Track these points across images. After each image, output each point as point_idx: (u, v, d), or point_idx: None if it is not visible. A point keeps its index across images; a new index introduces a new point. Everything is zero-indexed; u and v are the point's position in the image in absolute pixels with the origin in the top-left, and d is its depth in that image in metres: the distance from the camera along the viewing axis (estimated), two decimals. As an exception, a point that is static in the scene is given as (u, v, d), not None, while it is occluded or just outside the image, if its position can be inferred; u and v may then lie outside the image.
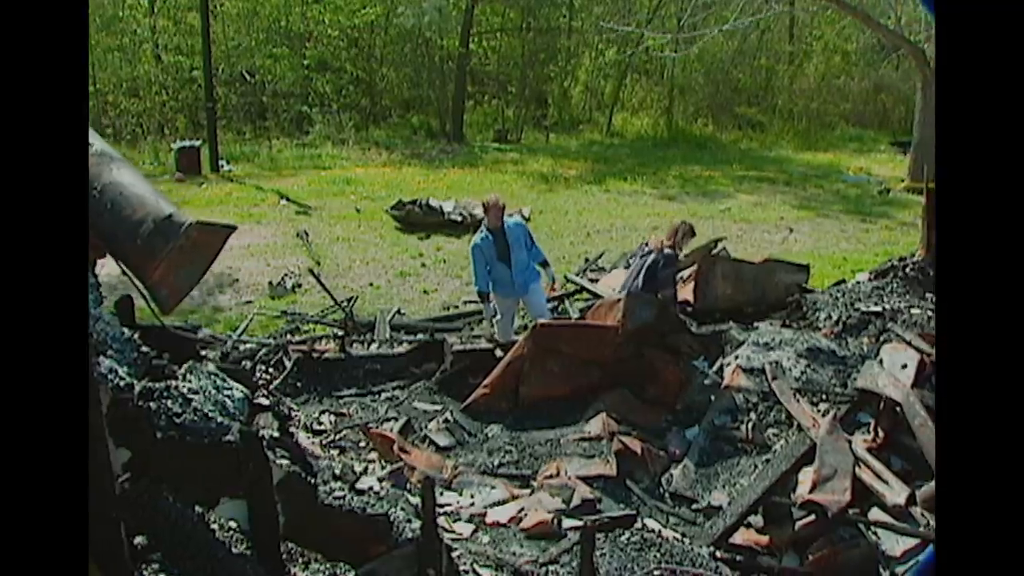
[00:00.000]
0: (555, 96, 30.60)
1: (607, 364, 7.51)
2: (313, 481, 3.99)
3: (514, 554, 5.21)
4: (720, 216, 17.23)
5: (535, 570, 4.92)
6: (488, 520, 5.72)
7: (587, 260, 13.12)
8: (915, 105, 20.81)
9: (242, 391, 4.28)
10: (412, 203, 16.22)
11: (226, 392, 4.11)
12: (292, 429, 6.97)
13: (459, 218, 15.83)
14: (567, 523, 5.62)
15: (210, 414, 3.69)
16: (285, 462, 3.93)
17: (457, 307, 11.72)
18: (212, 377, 4.17)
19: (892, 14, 21.67)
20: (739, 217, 17.19)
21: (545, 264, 9.10)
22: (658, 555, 4.98)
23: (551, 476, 6.33)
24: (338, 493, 4.07)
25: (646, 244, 9.38)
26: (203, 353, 8.40)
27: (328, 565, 4.34)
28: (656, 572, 4.79)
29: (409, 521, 4.15)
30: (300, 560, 4.38)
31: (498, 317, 9.08)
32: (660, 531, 5.58)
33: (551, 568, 4.97)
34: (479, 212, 16.30)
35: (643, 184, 20.39)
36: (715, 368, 7.80)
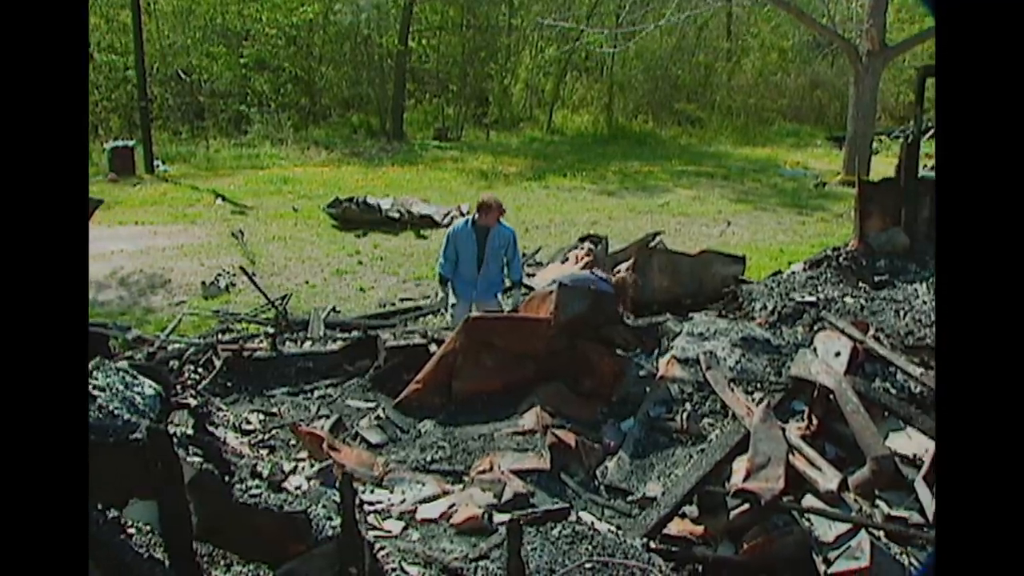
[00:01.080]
0: (496, 94, 30.56)
1: (541, 357, 7.41)
2: (228, 479, 3.85)
3: (444, 550, 5.10)
4: (659, 210, 17.30)
5: (464, 566, 4.81)
6: (418, 517, 5.60)
7: (524, 255, 13.04)
8: (849, 100, 21.07)
9: (154, 388, 4.13)
10: (349, 201, 16.06)
11: (135, 389, 3.96)
12: (218, 428, 6.81)
13: (397, 215, 15.72)
14: (498, 518, 5.52)
15: (116, 412, 3.55)
16: (198, 460, 3.79)
17: (394, 304, 11.59)
18: (121, 374, 4.01)
19: (826, 11, 21.92)
20: (677, 211, 17.26)
21: (518, 284, 8.91)
22: (590, 548, 4.90)
23: (484, 471, 6.23)
24: (254, 491, 3.93)
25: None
26: (128, 352, 8.23)
27: (252, 567, 4.20)
28: (588, 565, 4.71)
29: (330, 519, 4.04)
30: (222, 562, 4.23)
31: (453, 302, 8.92)
32: (593, 524, 5.51)
33: (481, 564, 4.86)
34: (417, 209, 16.25)
35: (583, 180, 20.41)
36: (651, 360, 7.76)
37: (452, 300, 8.97)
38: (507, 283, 9.26)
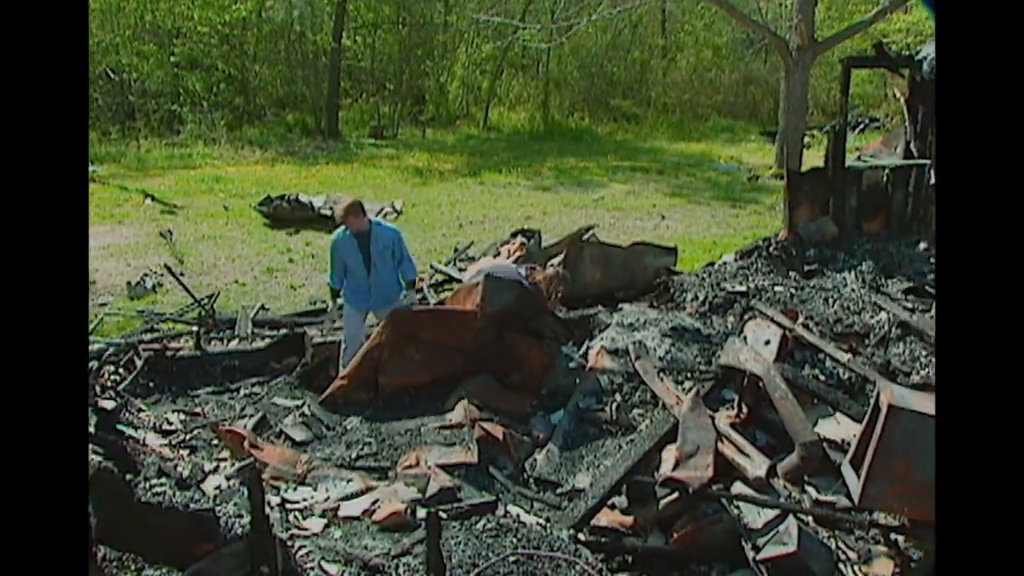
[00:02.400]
0: (432, 92, 30.38)
1: (469, 350, 7.31)
2: (132, 478, 3.69)
3: (366, 548, 4.97)
4: (593, 205, 17.31)
5: (386, 563, 4.69)
6: (340, 514, 5.46)
7: (456, 250, 12.95)
8: (781, 95, 21.30)
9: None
10: (281, 199, 15.83)
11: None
12: (137, 429, 6.61)
13: (329, 212, 15.49)
14: (422, 513, 5.39)
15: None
16: (98, 459, 3.62)
17: (324, 301, 11.39)
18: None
19: (757, 7, 22.11)
20: (612, 206, 17.28)
21: (412, 285, 8.39)
22: (515, 540, 4.81)
23: (410, 466, 6.10)
24: (159, 490, 3.77)
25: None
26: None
27: (164, 570, 4.04)
28: (511, 558, 4.61)
29: (240, 516, 3.88)
30: (132, 567, 4.06)
31: (337, 309, 8.55)
32: (519, 516, 5.43)
33: (403, 560, 4.75)
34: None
35: (518, 176, 20.37)
36: (582, 351, 7.70)
37: (341, 319, 8.56)
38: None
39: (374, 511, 5.40)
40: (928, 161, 10.88)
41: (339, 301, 8.42)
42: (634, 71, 33.72)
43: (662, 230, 15.18)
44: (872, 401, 5.36)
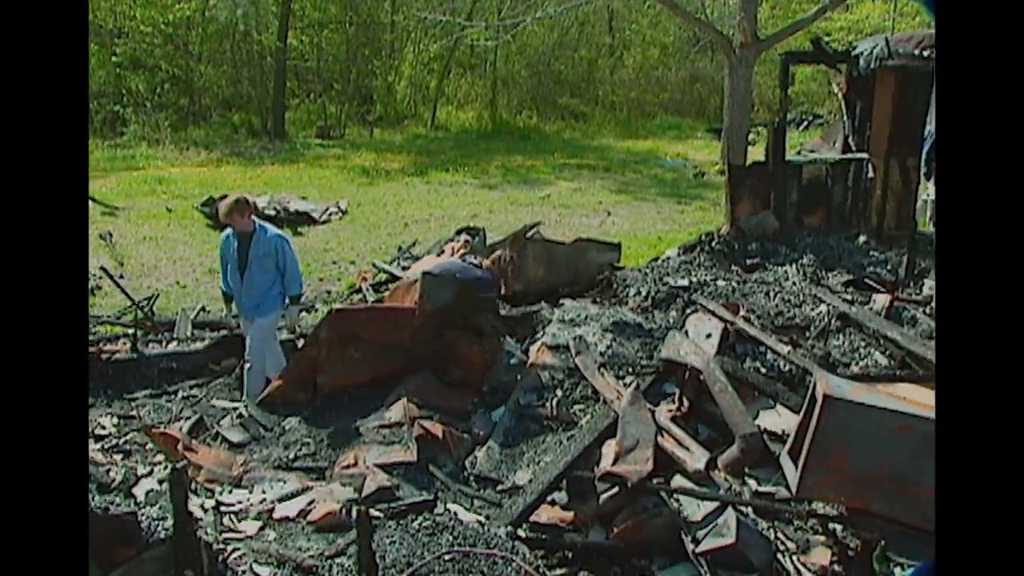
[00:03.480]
0: (380, 91, 30.21)
1: (408, 347, 7.22)
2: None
3: (300, 549, 4.88)
4: (540, 203, 17.29)
5: (319, 564, 4.60)
6: (276, 516, 5.36)
7: (400, 249, 12.86)
8: (725, 92, 21.43)
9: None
10: (223, 199, 15.57)
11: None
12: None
13: (273, 212, 15.38)
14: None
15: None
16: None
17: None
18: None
19: (700, 5, 22.26)
20: (559, 203, 17.28)
21: (296, 299, 7.81)
22: (451, 539, 4.74)
23: (348, 466, 6.02)
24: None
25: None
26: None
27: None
28: (447, 556, 4.55)
29: (164, 519, 3.78)
30: None
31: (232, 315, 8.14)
32: (457, 514, 5.36)
33: (337, 561, 4.66)
34: (294, 206, 15.92)
35: (465, 175, 20.32)
36: (524, 348, 7.66)
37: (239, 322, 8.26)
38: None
39: (309, 512, 5.31)
40: (866, 155, 11.00)
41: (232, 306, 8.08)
42: (581, 70, 33.85)
43: (608, 226, 15.19)
44: (809, 392, 5.39)
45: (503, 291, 9.02)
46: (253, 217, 7.60)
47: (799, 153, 11.80)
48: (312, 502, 5.42)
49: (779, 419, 6.41)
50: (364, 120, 29.09)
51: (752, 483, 5.90)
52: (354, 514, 5.22)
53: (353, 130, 27.95)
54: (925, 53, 10.44)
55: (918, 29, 14.89)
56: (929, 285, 9.48)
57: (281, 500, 5.57)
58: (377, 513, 5.21)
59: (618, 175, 20.63)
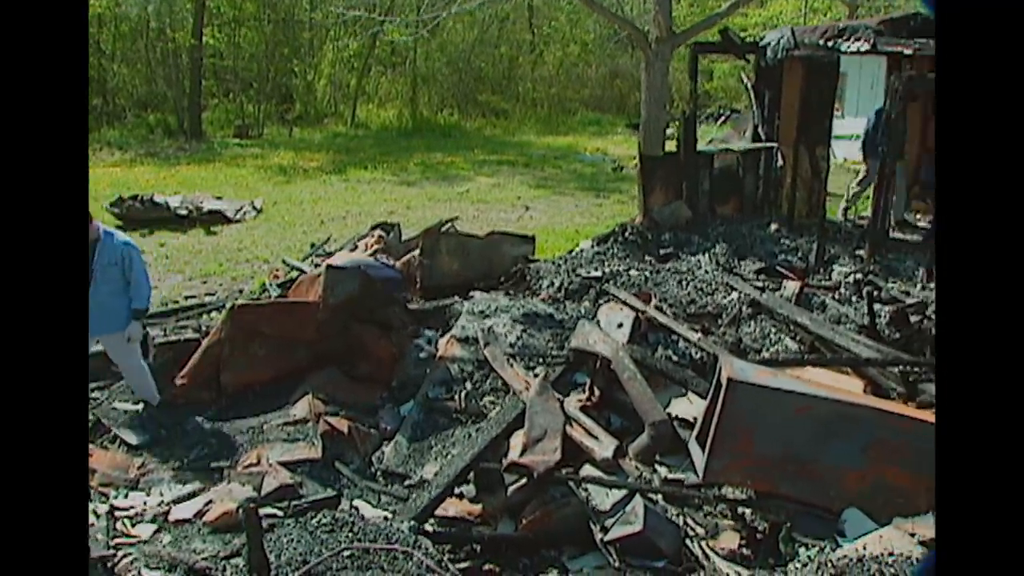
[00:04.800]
0: (299, 90, 29.79)
1: (314, 343, 7.07)
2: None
3: (195, 551, 4.72)
4: (458, 198, 17.18)
5: (213, 565, 4.45)
6: (171, 518, 5.19)
7: (313, 246, 12.66)
8: (642, 86, 21.54)
9: None
10: (133, 199, 15.24)
11: None
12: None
13: (185, 212, 15.03)
14: (262, 512, 5.16)
15: None
16: None
17: (177, 302, 10.96)
18: None
19: (617, 1, 22.34)
20: (477, 198, 17.18)
21: (140, 313, 6.82)
22: (351, 535, 4.61)
23: (250, 465, 5.86)
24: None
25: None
26: None
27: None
28: (346, 553, 4.42)
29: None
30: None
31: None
32: (357, 510, 5.24)
33: (231, 562, 4.51)
34: (208, 205, 15.58)
35: (384, 172, 20.12)
36: (434, 341, 7.55)
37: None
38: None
39: (206, 512, 5.15)
40: (775, 144, 11.11)
41: None
42: (502, 67, 33.78)
43: (526, 221, 15.12)
44: (715, 377, 5.38)
45: (415, 289, 8.90)
46: (97, 223, 6.73)
47: (710, 143, 11.87)
48: (209, 503, 5.26)
49: (690, 406, 6.40)
50: (283, 119, 28.65)
51: (663, 470, 5.88)
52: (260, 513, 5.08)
53: (272, 129, 27.50)
54: (830, 43, 10.57)
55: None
56: (838, 270, 9.60)
57: (178, 502, 5.39)
58: (276, 512, 5.08)
59: (537, 170, 20.61)
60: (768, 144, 11.18)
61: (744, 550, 5.13)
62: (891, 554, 4.28)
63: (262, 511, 5.19)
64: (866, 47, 10.06)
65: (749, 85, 11.69)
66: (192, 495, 5.47)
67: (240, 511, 5.08)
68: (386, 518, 5.22)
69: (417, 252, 9.45)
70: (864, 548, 4.39)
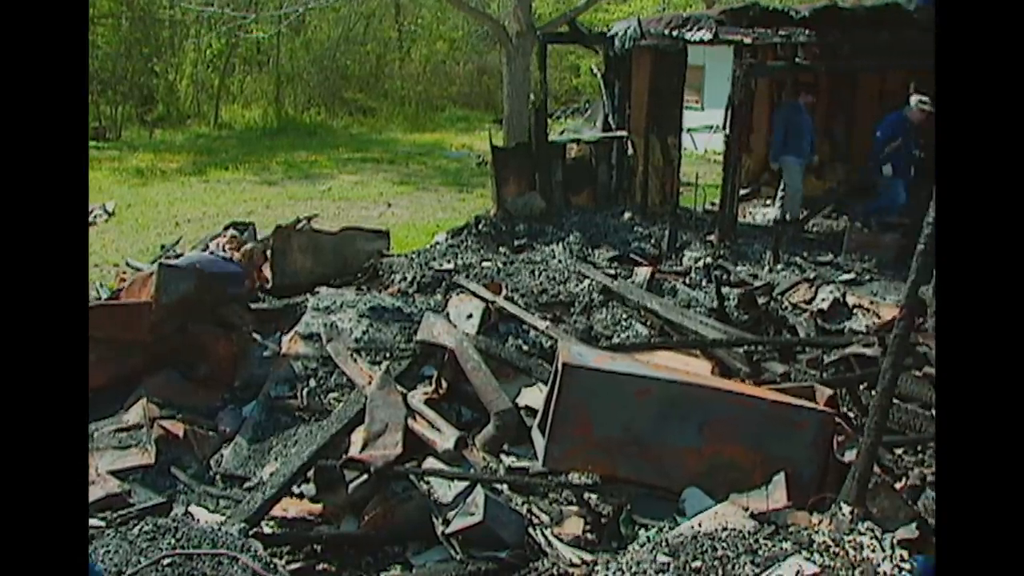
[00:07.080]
0: (161, 90, 28.88)
1: (148, 345, 6.79)
2: None
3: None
4: (320, 196, 16.93)
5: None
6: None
7: (163, 247, 12.25)
8: (504, 81, 21.62)
9: None
10: None
11: None
12: None
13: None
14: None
15: None
16: None
17: None
18: None
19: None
20: (339, 196, 16.97)
21: None
22: (174, 541, 4.41)
23: (77, 475, 5.58)
24: None
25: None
26: None
27: None
28: (166, 561, 4.23)
29: None
30: None
31: None
32: (185, 516, 5.04)
33: None
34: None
35: (245, 172, 19.68)
36: (279, 339, 7.36)
37: None
38: None
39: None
40: (624, 133, 11.24)
41: None
42: (369, 64, 33.50)
43: (387, 217, 14.98)
44: (554, 363, 5.37)
45: (257, 284, 8.67)
46: None
47: (563, 134, 11.94)
48: (25, 516, 4.97)
49: (540, 395, 6.38)
50: (144, 121, 27.73)
51: (509, 460, 5.85)
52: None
53: (132, 131, 26.57)
54: (674, 33, 10.74)
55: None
56: (689, 256, 9.76)
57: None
58: (98, 523, 4.84)
59: (402, 167, 20.48)
60: (618, 133, 11.29)
61: (588, 535, 5.14)
62: (724, 529, 4.33)
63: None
64: (708, 36, 10.25)
65: (599, 75, 11.80)
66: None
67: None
68: (218, 523, 5.03)
69: (255, 251, 9.24)
70: (699, 525, 4.43)
